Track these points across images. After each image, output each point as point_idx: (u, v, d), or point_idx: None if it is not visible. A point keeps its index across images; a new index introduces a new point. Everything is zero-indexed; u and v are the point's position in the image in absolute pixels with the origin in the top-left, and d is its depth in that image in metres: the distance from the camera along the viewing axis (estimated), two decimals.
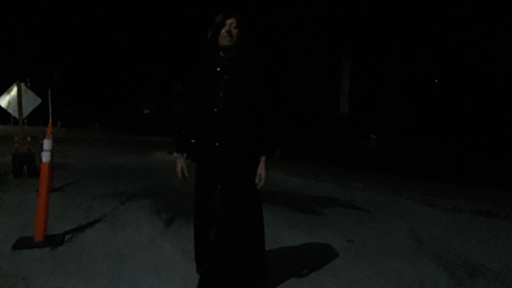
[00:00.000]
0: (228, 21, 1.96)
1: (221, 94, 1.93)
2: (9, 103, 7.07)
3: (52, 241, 3.15)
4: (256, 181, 2.06)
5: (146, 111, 42.85)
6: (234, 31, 1.95)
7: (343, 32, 13.77)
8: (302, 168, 9.88)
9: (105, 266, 2.72)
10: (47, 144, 3.32)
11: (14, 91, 7.01)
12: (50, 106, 30.36)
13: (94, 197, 5.19)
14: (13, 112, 7.10)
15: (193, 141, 2.08)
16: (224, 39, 1.94)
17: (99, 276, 2.55)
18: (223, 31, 1.93)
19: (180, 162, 2.12)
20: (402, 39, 13.31)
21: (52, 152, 3.45)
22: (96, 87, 42.52)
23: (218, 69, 1.98)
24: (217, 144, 1.94)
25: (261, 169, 2.06)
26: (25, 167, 6.67)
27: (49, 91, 30.04)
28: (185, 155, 2.12)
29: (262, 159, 2.08)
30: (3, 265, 2.68)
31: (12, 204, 4.58)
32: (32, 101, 7.20)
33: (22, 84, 7.11)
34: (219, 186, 1.96)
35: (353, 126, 13.36)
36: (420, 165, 11.46)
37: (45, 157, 3.32)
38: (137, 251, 3.03)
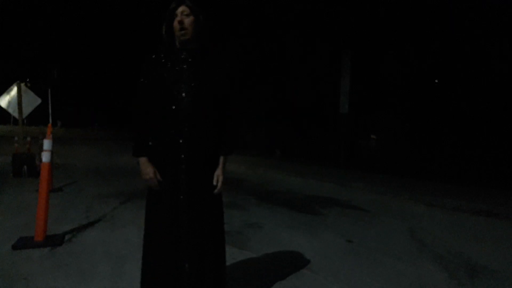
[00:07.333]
0: (179, 10, 1.77)
1: (182, 89, 1.76)
2: (9, 103, 7.08)
3: (52, 241, 3.15)
4: (214, 183, 1.84)
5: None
6: (187, 20, 1.76)
7: (343, 32, 13.77)
8: (302, 168, 9.88)
9: (105, 266, 2.72)
10: (47, 144, 3.32)
11: (14, 91, 7.01)
12: (50, 106, 30.37)
13: (94, 197, 5.19)
14: (13, 112, 7.10)
15: (150, 143, 1.82)
16: (178, 32, 1.77)
17: (99, 276, 2.55)
18: (175, 23, 1.77)
19: (148, 166, 1.78)
20: (402, 40, 13.31)
21: (52, 152, 3.45)
22: (96, 87, 42.51)
23: (177, 62, 1.80)
24: (181, 141, 1.75)
25: (219, 170, 1.85)
26: (25, 167, 6.67)
27: (49, 91, 30.05)
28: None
29: (221, 159, 1.87)
30: (3, 265, 2.68)
31: (12, 204, 4.58)
32: (32, 101, 7.20)
33: (22, 84, 7.11)
34: (185, 185, 1.76)
35: (353, 126, 13.36)
36: (420, 165, 11.46)
37: (45, 157, 3.32)
38: (137, 251, 3.01)
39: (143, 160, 1.79)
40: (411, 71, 13.64)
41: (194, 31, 1.79)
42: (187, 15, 1.77)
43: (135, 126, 1.85)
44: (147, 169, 1.78)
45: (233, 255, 2.98)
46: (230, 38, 15.71)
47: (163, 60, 1.83)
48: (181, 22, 1.76)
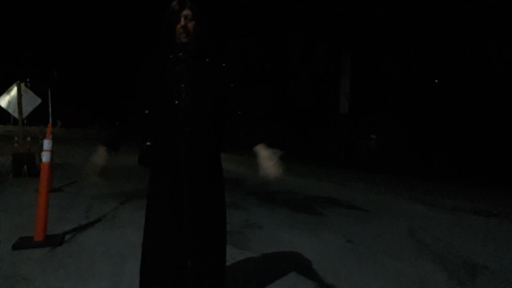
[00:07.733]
0: (183, 14, 1.75)
1: (182, 89, 1.75)
2: (9, 103, 7.08)
3: (52, 241, 3.15)
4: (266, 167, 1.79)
5: (146, 112, 42.67)
6: (190, 25, 1.76)
7: (343, 32, 13.77)
8: (302, 168, 9.88)
9: (105, 266, 2.72)
10: (47, 144, 3.32)
11: (14, 91, 7.01)
12: (50, 106, 30.36)
13: (94, 197, 5.19)
14: (13, 112, 7.10)
15: (148, 143, 1.81)
16: (180, 36, 1.76)
17: (99, 276, 2.55)
18: (178, 26, 1.75)
19: (102, 156, 1.83)
20: (402, 40, 13.31)
21: (52, 152, 3.45)
22: (96, 87, 42.52)
23: (177, 62, 1.78)
24: (181, 141, 1.74)
25: (265, 157, 1.78)
26: (25, 167, 6.67)
27: (49, 91, 30.05)
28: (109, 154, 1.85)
29: (258, 148, 1.79)
30: (3, 265, 2.68)
31: (12, 204, 4.58)
32: (32, 101, 7.20)
33: (22, 84, 7.11)
34: (186, 185, 1.75)
35: (353, 126, 13.36)
36: (420, 165, 11.45)
37: (45, 157, 3.32)
38: (137, 251, 3.00)
39: (103, 149, 1.87)
40: (411, 71, 13.64)
41: (196, 34, 1.79)
42: (190, 20, 1.77)
43: (131, 126, 1.89)
44: (98, 158, 1.87)
45: (233, 255, 2.98)
46: (230, 38, 15.71)
47: (162, 60, 1.83)
48: (184, 27, 1.75)
